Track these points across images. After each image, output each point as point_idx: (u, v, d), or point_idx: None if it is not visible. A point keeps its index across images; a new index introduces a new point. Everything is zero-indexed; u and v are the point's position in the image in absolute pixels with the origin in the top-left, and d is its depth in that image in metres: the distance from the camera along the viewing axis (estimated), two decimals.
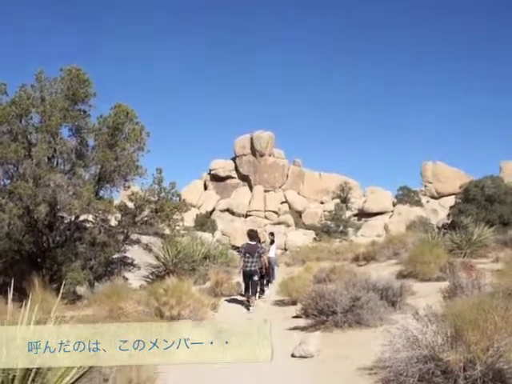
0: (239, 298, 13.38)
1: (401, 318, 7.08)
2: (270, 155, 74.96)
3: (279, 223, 64.84)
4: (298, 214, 69.10)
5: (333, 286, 8.90)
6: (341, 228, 56.88)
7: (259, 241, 12.57)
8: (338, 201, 68.42)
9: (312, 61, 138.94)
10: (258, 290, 12.84)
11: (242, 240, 50.03)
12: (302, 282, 11.98)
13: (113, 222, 14.81)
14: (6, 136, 12.65)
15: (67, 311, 9.27)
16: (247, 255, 11.92)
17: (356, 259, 21.74)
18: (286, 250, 49.28)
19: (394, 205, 68.19)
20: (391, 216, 66.01)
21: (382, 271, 15.25)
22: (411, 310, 7.04)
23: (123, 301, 9.40)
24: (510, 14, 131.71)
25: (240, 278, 13.03)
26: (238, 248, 39.26)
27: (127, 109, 14.65)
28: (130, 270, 15.16)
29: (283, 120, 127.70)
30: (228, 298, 13.43)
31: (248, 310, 11.65)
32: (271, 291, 14.03)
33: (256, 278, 12.00)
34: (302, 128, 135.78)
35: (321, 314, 8.29)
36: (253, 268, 11.90)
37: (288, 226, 64.17)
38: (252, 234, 12.46)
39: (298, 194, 74.63)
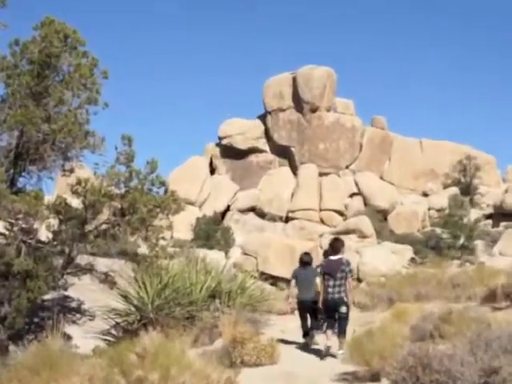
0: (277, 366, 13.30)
1: None
2: (328, 109, 74.69)
3: (346, 232, 64.06)
4: (380, 216, 68.38)
5: (447, 348, 8.96)
6: (461, 240, 56.01)
7: (335, 251, 14.22)
8: (455, 190, 67.21)
9: None
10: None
11: (278, 263, 50.11)
12: (390, 340, 11.88)
13: (43, 235, 14.84)
14: None
15: None
16: (326, 277, 13.73)
17: (490, 298, 21.11)
18: (358, 279, 48.70)
19: None
20: None
21: None
22: None
23: (62, 379, 9.36)
24: None
25: (296, 318, 15.49)
26: (271, 278, 39.14)
27: (65, 28, 14.70)
28: (74, 322, 15.21)
29: (343, 57, 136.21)
30: (255, 368, 13.13)
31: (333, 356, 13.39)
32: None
33: (344, 309, 13.72)
34: (382, 68, 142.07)
35: None
36: (336, 296, 13.64)
37: (363, 236, 63.41)
38: (336, 245, 14.23)
39: (381, 178, 74.00)
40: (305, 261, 15.31)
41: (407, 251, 56.70)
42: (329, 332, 13.78)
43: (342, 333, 13.66)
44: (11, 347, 13.16)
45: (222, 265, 23.12)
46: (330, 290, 13.62)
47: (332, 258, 13.96)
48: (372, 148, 75.10)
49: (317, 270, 14.83)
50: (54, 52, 14.33)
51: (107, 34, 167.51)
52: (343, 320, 13.75)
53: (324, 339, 14.20)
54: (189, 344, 13.22)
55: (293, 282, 15.45)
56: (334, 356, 13.54)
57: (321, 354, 13.95)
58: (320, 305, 14.46)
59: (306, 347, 15.11)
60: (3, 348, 13.18)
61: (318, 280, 14.66)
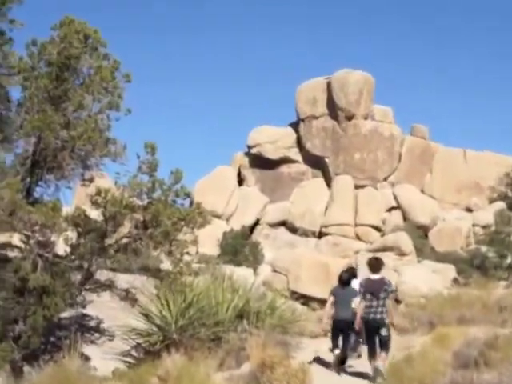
0: None
1: None
2: (365, 117, 74.50)
3: (384, 249, 63.68)
4: (421, 232, 67.95)
5: (493, 376, 8.97)
6: (508, 260, 55.33)
7: (375, 270, 14.60)
8: (501, 205, 66.64)
9: None
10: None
11: (310, 281, 49.97)
12: (431, 366, 11.92)
13: (61, 249, 14.93)
14: None
15: None
16: (369, 297, 14.01)
17: None
18: (397, 300, 48.42)
19: None
20: None
21: None
22: None
23: None
24: None
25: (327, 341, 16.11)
26: (303, 297, 39.02)
27: (85, 28, 14.82)
28: (93, 341, 15.26)
29: (381, 61, 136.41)
30: None
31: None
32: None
33: (385, 331, 14.05)
34: (423, 73, 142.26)
35: None
36: (378, 316, 13.96)
37: (401, 254, 63.00)
38: (375, 264, 14.64)
39: (422, 191, 73.55)
40: (344, 280, 15.81)
41: (449, 271, 56.24)
42: (372, 360, 13.96)
43: (385, 350, 13.99)
44: (26, 368, 13.22)
45: (250, 282, 22.99)
46: (372, 310, 13.93)
47: (373, 277, 14.28)
48: (412, 159, 74.56)
49: (356, 291, 15.13)
50: (73, 53, 14.45)
51: (128, 35, 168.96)
52: (385, 343, 14.04)
53: (357, 362, 14.74)
54: (214, 368, 13.21)
55: (330, 301, 15.77)
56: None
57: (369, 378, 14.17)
58: (356, 325, 14.71)
59: (338, 372, 15.14)
60: (17, 369, 13.24)
61: (357, 300, 14.95)
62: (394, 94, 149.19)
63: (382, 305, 13.96)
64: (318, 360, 16.71)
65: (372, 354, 14.13)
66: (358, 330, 15.45)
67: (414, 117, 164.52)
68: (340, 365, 15.22)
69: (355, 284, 17.60)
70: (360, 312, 14.19)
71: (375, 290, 13.96)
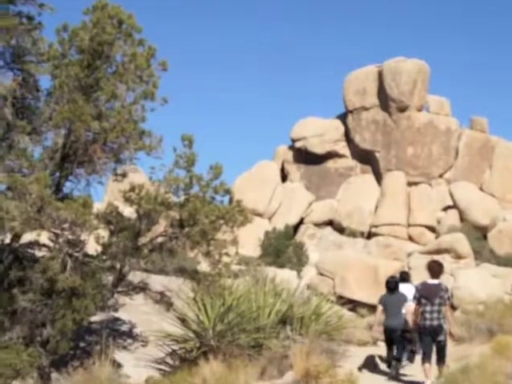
0: None
1: None
2: (419, 109, 74.19)
3: (438, 252, 63.30)
4: (479, 233, 67.39)
5: None
6: None
7: (435, 275, 14.97)
8: None
9: None
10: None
11: (358, 285, 49.72)
12: (490, 378, 11.88)
13: (91, 248, 14.97)
14: None
15: None
16: (423, 301, 14.48)
17: None
18: (452, 307, 48.09)
19: None
20: None
21: None
22: None
23: None
24: None
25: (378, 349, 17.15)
26: (350, 302, 38.78)
27: (119, 13, 14.89)
28: (125, 347, 15.34)
29: (437, 49, 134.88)
30: None
31: None
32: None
33: (442, 337, 14.46)
34: (482, 61, 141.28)
35: None
36: (435, 322, 14.35)
37: (458, 257, 62.56)
38: (435, 268, 15.03)
39: (481, 189, 72.90)
40: (391, 287, 16.32)
41: (511, 275, 55.72)
42: (427, 366, 14.22)
43: (441, 361, 14.49)
44: (54, 375, 13.31)
45: (293, 286, 23.05)
46: (427, 315, 14.32)
47: (430, 281, 14.68)
48: (470, 154, 73.99)
49: (405, 296, 16.00)
50: (106, 39, 14.47)
51: (165, 19, 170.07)
52: (442, 349, 14.52)
53: (414, 371, 15.12)
54: (254, 377, 13.20)
55: (379, 309, 16.29)
56: None
57: None
58: (411, 325, 15.36)
59: (391, 381, 15.36)
60: (45, 376, 13.33)
61: (410, 305, 15.85)
62: (450, 84, 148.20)
63: (437, 311, 14.34)
64: (368, 367, 16.79)
65: (426, 360, 14.41)
66: (410, 337, 16.18)
67: (472, 109, 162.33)
68: (392, 370, 15.84)
69: (406, 289, 18.01)
70: (413, 317, 14.77)
71: (430, 294, 14.38)
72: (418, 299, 14.62)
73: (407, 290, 18.25)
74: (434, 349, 14.70)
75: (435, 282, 14.70)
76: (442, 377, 14.01)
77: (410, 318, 15.82)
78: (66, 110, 13.82)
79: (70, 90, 14.11)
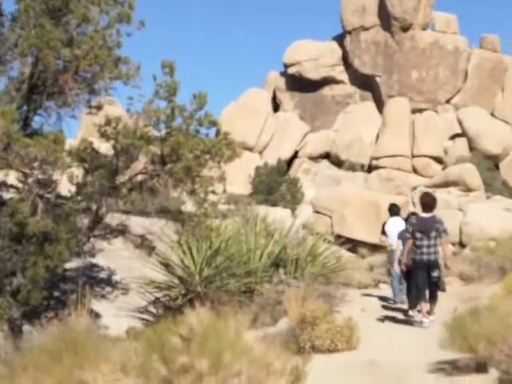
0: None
1: None
2: (424, 27, 73.99)
3: (446, 185, 63.64)
4: (490, 163, 67.60)
5: None
6: None
7: (428, 208, 15.55)
8: None
9: None
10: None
11: (358, 223, 50.02)
12: (501, 321, 11.61)
13: (64, 188, 14.97)
14: None
15: None
16: (419, 235, 15.04)
17: None
18: (461, 244, 48.56)
19: None
20: None
21: None
22: None
23: (89, 366, 9.52)
24: None
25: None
26: (349, 242, 39.17)
27: None
28: (104, 296, 15.39)
29: None
30: (328, 355, 13.21)
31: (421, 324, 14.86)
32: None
33: (437, 273, 15.22)
34: None
35: None
36: (432, 257, 15.05)
37: (467, 189, 62.89)
38: (428, 202, 15.56)
39: (492, 115, 72.96)
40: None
41: None
42: (423, 305, 14.87)
43: (433, 298, 15.28)
44: (26, 327, 13.39)
45: (287, 226, 23.14)
46: (424, 250, 14.93)
47: (424, 215, 15.32)
48: (481, 76, 73.92)
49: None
50: None
51: None
52: (435, 285, 15.32)
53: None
54: (246, 324, 13.21)
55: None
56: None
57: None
58: (403, 267, 16.06)
59: (392, 328, 15.52)
60: (16, 328, 13.39)
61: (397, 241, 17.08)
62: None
63: (433, 245, 15.01)
64: (367, 315, 16.92)
65: (418, 300, 15.20)
66: (402, 272, 16.99)
67: (482, 27, 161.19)
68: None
69: (396, 223, 19.15)
70: (408, 252, 15.41)
71: (426, 228, 14.99)
72: (412, 234, 15.13)
73: (397, 224, 18.93)
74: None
75: (429, 215, 15.24)
76: (432, 314, 14.82)
77: (399, 255, 16.87)
78: (33, 36, 13.69)
79: (36, 13, 13.94)
